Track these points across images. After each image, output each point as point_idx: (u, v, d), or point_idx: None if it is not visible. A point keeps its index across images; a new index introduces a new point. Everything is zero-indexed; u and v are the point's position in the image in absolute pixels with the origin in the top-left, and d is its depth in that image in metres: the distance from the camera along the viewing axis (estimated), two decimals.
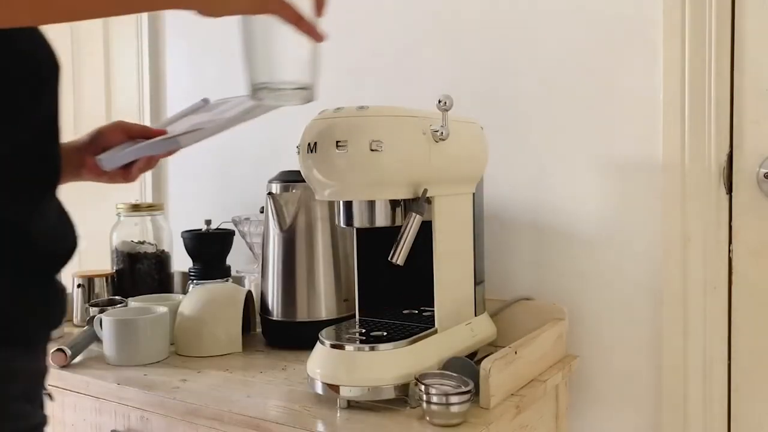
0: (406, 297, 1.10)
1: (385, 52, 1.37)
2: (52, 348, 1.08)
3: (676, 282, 1.09)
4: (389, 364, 0.89)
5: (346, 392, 0.88)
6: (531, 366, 1.01)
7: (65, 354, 1.10)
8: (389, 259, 0.88)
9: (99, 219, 1.52)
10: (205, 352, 1.16)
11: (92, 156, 0.92)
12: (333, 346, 0.92)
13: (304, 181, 0.95)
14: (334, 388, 0.89)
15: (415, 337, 0.93)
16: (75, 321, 1.43)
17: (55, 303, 0.70)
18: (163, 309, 1.18)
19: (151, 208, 1.50)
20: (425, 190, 0.91)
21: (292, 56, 0.78)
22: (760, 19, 1.04)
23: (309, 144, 0.89)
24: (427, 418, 0.84)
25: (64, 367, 1.10)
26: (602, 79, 1.15)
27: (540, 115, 1.21)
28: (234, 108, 1.01)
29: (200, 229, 1.46)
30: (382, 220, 0.92)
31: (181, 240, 1.45)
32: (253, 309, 1.30)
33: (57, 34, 0.72)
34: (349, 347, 0.91)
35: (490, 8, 1.25)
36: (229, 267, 1.47)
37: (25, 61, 0.66)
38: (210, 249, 1.45)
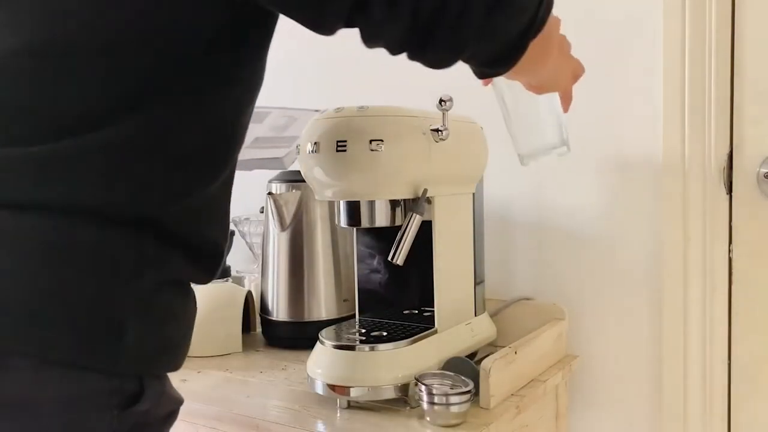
0: (406, 297, 1.10)
1: (386, 51, 1.37)
2: None
3: (676, 282, 1.09)
4: (389, 364, 0.89)
5: (346, 392, 0.88)
6: (531, 366, 1.01)
7: None
8: (389, 259, 0.88)
9: None
10: (205, 352, 1.16)
11: None
12: (333, 346, 0.92)
13: (304, 181, 0.95)
14: (334, 388, 0.89)
15: (415, 337, 0.93)
16: None
17: None
18: None
19: None
20: (425, 190, 0.91)
21: (564, 119, 0.91)
22: (760, 20, 1.04)
23: (309, 144, 0.89)
24: (427, 419, 0.84)
25: None
26: (602, 80, 1.15)
27: None
28: (294, 120, 1.04)
29: None
30: (382, 220, 0.92)
31: None
32: (253, 309, 1.30)
33: None
34: (349, 347, 0.91)
35: None
36: (229, 267, 1.47)
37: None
38: None
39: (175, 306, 0.58)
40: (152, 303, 0.54)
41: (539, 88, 0.78)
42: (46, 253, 0.50)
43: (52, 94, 0.51)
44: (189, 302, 0.60)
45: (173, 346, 0.58)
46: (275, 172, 1.24)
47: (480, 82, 0.78)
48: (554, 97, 0.87)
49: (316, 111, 1.11)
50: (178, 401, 0.60)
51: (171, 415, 0.59)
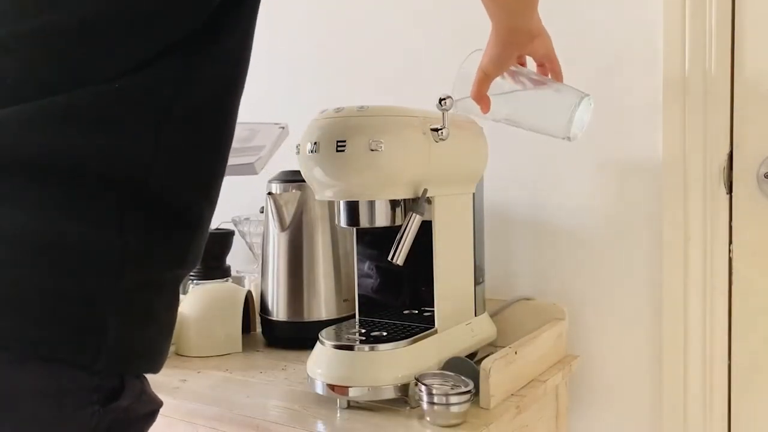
0: (406, 297, 1.10)
1: (386, 52, 1.37)
2: None
3: (676, 282, 1.09)
4: (389, 364, 0.89)
5: (346, 392, 0.88)
6: (531, 366, 1.01)
7: None
8: (389, 259, 0.88)
9: None
10: (205, 352, 1.16)
11: None
12: (333, 346, 0.92)
13: (304, 181, 0.95)
14: (334, 388, 0.89)
15: (415, 337, 0.93)
16: None
17: None
18: None
19: None
20: (425, 190, 0.91)
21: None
22: (760, 20, 1.04)
23: (309, 144, 0.89)
24: (427, 419, 0.84)
25: None
26: (602, 79, 1.15)
27: None
28: (256, 132, 1.14)
29: None
30: (382, 220, 0.92)
31: None
32: (253, 309, 1.30)
33: None
34: (349, 347, 0.91)
35: None
36: (229, 267, 1.47)
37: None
38: (210, 249, 1.45)
39: (157, 309, 0.58)
40: (134, 303, 0.54)
41: (530, 35, 0.83)
42: (28, 249, 0.50)
43: (46, 67, 0.52)
44: (171, 308, 0.60)
45: (153, 348, 0.58)
46: (275, 172, 1.24)
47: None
48: (544, 78, 0.93)
49: (276, 124, 1.18)
50: (158, 403, 0.61)
51: (151, 415, 0.59)
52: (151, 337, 0.57)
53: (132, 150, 0.53)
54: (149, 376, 0.61)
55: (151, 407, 0.59)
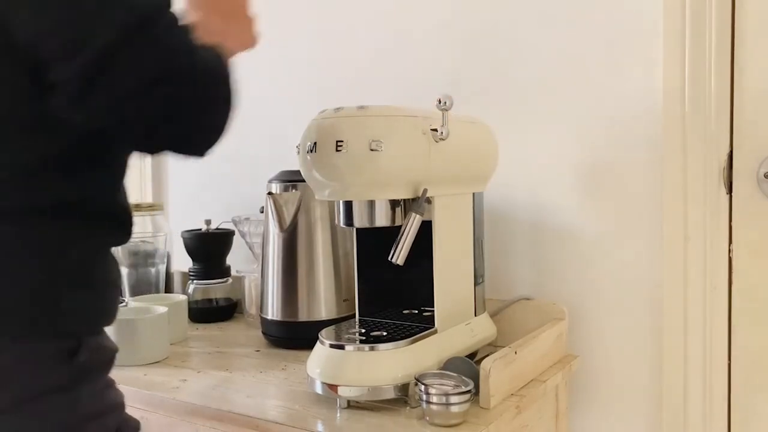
0: (406, 297, 1.10)
1: (386, 51, 1.37)
2: None
3: (676, 282, 1.09)
4: (389, 364, 0.89)
5: (346, 392, 0.88)
6: (531, 366, 1.01)
7: None
8: (389, 259, 0.88)
9: None
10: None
11: None
12: (333, 346, 0.92)
13: (304, 181, 0.95)
14: (333, 388, 0.89)
15: (415, 337, 0.93)
16: None
17: None
18: (163, 309, 1.18)
19: (151, 207, 1.50)
20: (425, 190, 0.91)
21: None
22: (760, 19, 1.04)
23: (309, 144, 0.89)
24: (427, 418, 0.84)
25: None
26: (602, 79, 1.15)
27: (540, 114, 1.21)
28: None
29: (200, 229, 1.46)
30: (381, 220, 0.92)
31: (181, 240, 1.45)
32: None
33: None
34: (349, 347, 0.91)
35: (488, 10, 1.25)
36: (229, 267, 1.47)
37: None
38: (210, 249, 1.45)
39: (98, 272, 0.70)
40: (79, 273, 0.67)
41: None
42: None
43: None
44: (113, 269, 0.73)
45: (105, 307, 0.71)
46: (275, 172, 1.24)
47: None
48: None
49: None
50: (115, 349, 0.74)
51: (111, 361, 0.72)
52: (102, 298, 0.70)
53: (103, 189, 0.71)
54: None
55: (110, 355, 0.72)
